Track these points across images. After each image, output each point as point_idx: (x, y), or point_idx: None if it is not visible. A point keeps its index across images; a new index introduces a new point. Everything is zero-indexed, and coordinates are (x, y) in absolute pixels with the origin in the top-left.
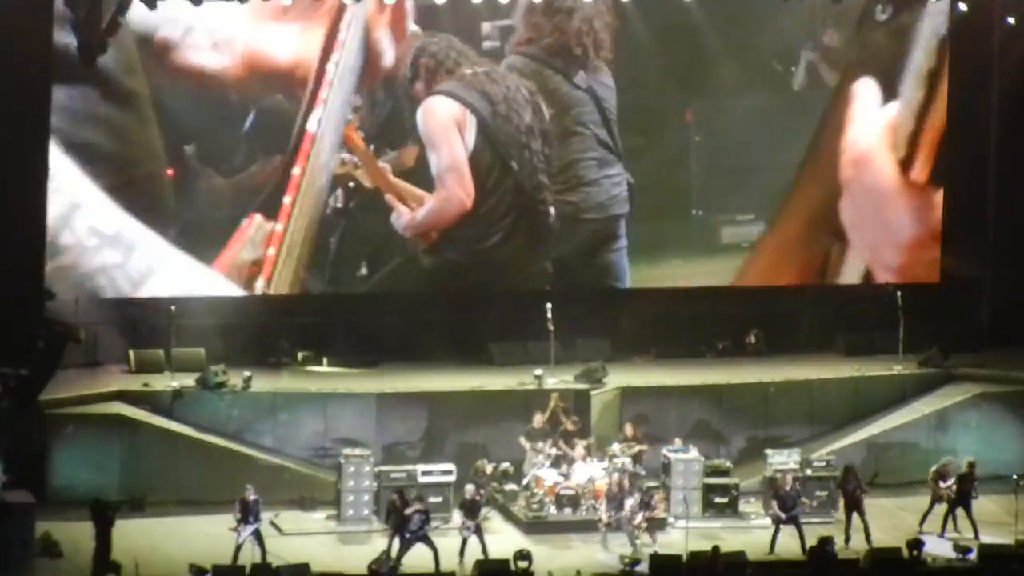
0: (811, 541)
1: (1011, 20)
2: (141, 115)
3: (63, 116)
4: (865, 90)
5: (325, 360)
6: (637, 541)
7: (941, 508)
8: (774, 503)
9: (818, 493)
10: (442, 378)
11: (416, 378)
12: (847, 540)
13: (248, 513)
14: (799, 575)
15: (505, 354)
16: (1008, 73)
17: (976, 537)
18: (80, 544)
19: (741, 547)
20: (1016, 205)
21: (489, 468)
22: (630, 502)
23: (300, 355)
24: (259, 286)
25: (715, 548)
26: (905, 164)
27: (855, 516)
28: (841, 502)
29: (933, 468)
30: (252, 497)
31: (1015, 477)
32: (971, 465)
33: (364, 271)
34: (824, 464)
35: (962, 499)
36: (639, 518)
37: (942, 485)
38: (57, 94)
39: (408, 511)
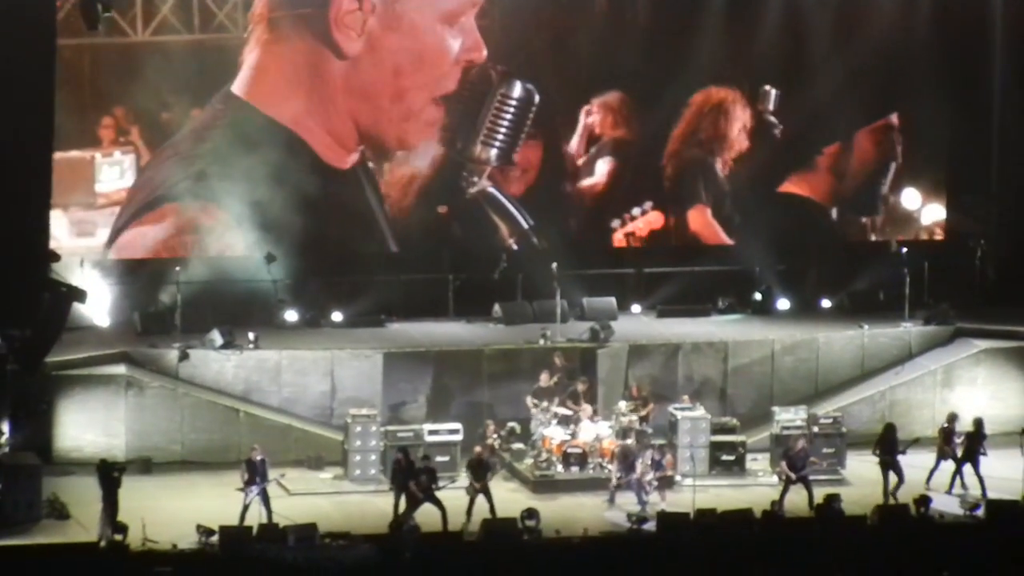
0: (819, 499)
1: None
2: None
3: None
4: None
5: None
6: (646, 500)
7: (948, 465)
8: (783, 463)
9: (825, 450)
10: (449, 337)
11: (422, 337)
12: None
13: (255, 474)
14: (807, 532)
15: (512, 313)
16: (1010, 27)
17: (984, 495)
18: (87, 505)
19: (748, 504)
20: (1020, 162)
21: (491, 433)
22: (641, 461)
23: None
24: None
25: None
26: None
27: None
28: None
29: (941, 426)
30: (259, 457)
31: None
32: (977, 422)
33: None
34: (831, 421)
35: (969, 456)
36: (651, 476)
37: (952, 443)
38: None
39: (414, 470)
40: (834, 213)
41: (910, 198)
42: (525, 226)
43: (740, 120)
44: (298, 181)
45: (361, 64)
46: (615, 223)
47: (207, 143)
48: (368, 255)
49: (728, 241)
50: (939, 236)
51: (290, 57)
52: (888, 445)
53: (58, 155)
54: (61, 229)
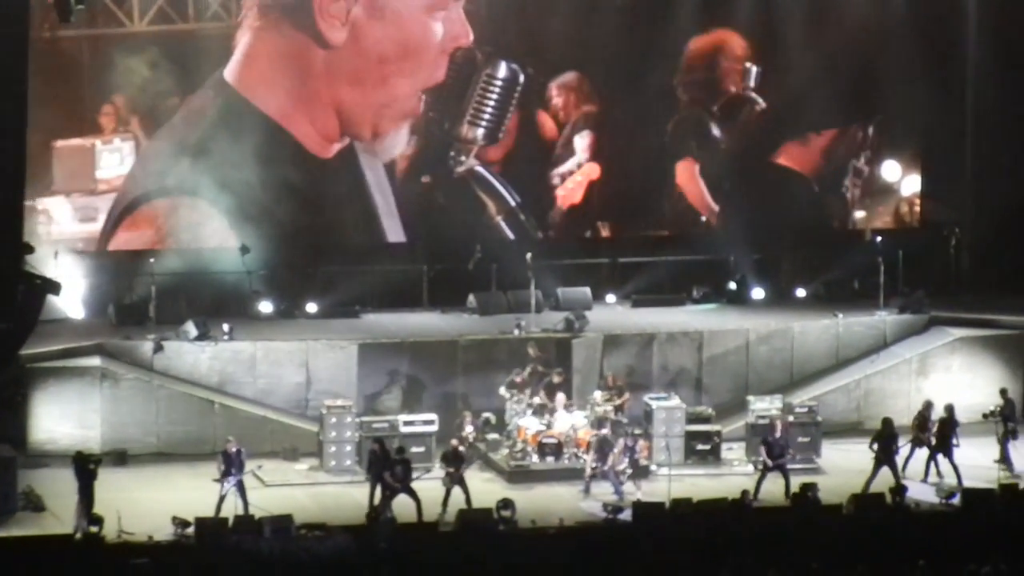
0: (795, 488)
1: None
2: None
3: None
4: None
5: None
6: (622, 489)
7: (923, 453)
8: (762, 449)
9: (800, 439)
10: (423, 328)
11: (397, 328)
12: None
13: (231, 465)
14: (782, 520)
15: (486, 303)
16: (984, 11)
17: (960, 483)
18: (62, 497)
19: (723, 494)
20: (995, 149)
21: (468, 425)
22: (615, 450)
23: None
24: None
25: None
26: None
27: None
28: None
29: (916, 413)
30: (234, 449)
31: (984, 415)
32: (949, 410)
33: None
34: (806, 410)
35: (943, 444)
36: (624, 465)
37: (927, 430)
38: None
39: (389, 460)
40: (816, 187)
41: (890, 170)
42: (512, 203)
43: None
44: (282, 171)
45: (345, 53)
46: (555, 180)
47: (197, 131)
48: (341, 245)
49: (712, 203)
50: (917, 207)
51: (277, 45)
52: (885, 442)
53: (60, 143)
54: (64, 215)
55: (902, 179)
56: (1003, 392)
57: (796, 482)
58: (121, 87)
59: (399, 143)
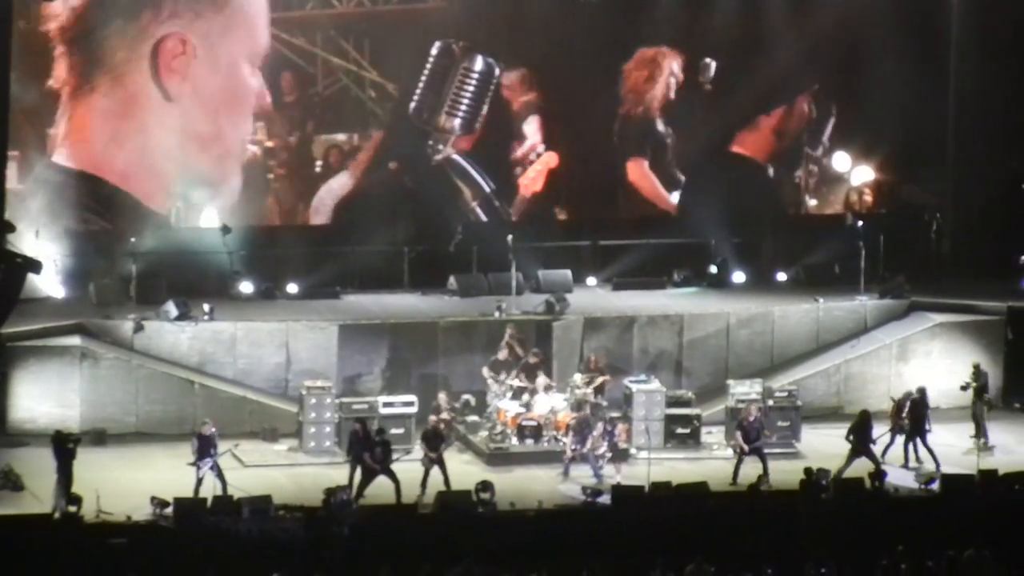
0: (773, 472)
1: None
2: None
3: None
4: None
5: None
6: (602, 472)
7: (901, 439)
8: (737, 434)
9: (780, 423)
10: (404, 309)
11: (378, 309)
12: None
13: (207, 446)
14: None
15: (467, 285)
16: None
17: (937, 467)
18: (41, 477)
19: (703, 478)
20: (976, 135)
21: (445, 405)
22: (593, 433)
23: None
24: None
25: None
26: None
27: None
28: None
29: (894, 399)
30: (209, 431)
31: (961, 386)
32: (921, 392)
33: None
34: (786, 395)
35: (916, 428)
36: (603, 448)
37: (902, 415)
38: None
39: (370, 442)
40: (771, 171)
41: (840, 161)
42: (487, 189)
43: (671, 75)
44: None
45: (185, 105)
46: (517, 170)
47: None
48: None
49: (667, 196)
50: (868, 197)
51: (111, 108)
52: (862, 434)
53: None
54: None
55: (852, 169)
56: (976, 366)
57: (775, 466)
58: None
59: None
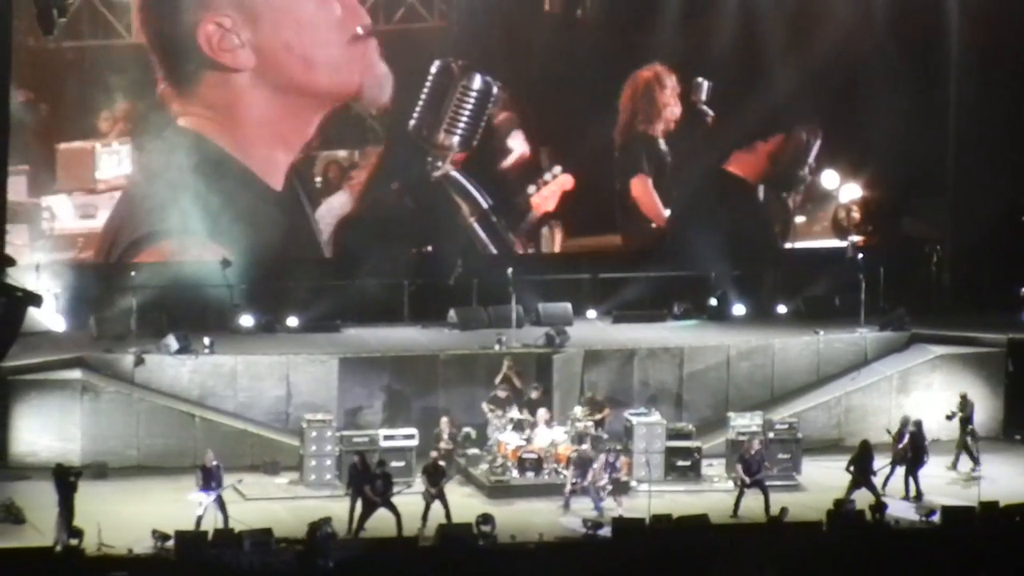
0: (775, 505)
1: None
2: None
3: None
4: None
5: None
6: (602, 504)
7: (902, 470)
8: (738, 467)
9: (780, 456)
10: (404, 342)
11: (378, 342)
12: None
13: (210, 479)
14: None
15: (467, 318)
16: (967, 27)
17: (919, 498)
18: (43, 510)
19: (704, 510)
20: (976, 167)
21: (446, 433)
22: (595, 465)
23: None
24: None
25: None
26: None
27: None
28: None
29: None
30: (213, 463)
31: (947, 415)
32: (917, 424)
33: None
34: (786, 427)
35: (915, 457)
36: (604, 480)
37: (899, 446)
38: None
39: (370, 475)
40: (761, 193)
41: (829, 178)
42: (485, 205)
43: (671, 92)
44: (246, 200)
45: (264, 69)
46: (530, 189)
47: (174, 173)
48: (324, 259)
49: (664, 214)
50: (856, 213)
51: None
52: (862, 464)
53: (63, 145)
54: (66, 212)
55: (840, 187)
56: (963, 396)
57: (776, 499)
58: (118, 93)
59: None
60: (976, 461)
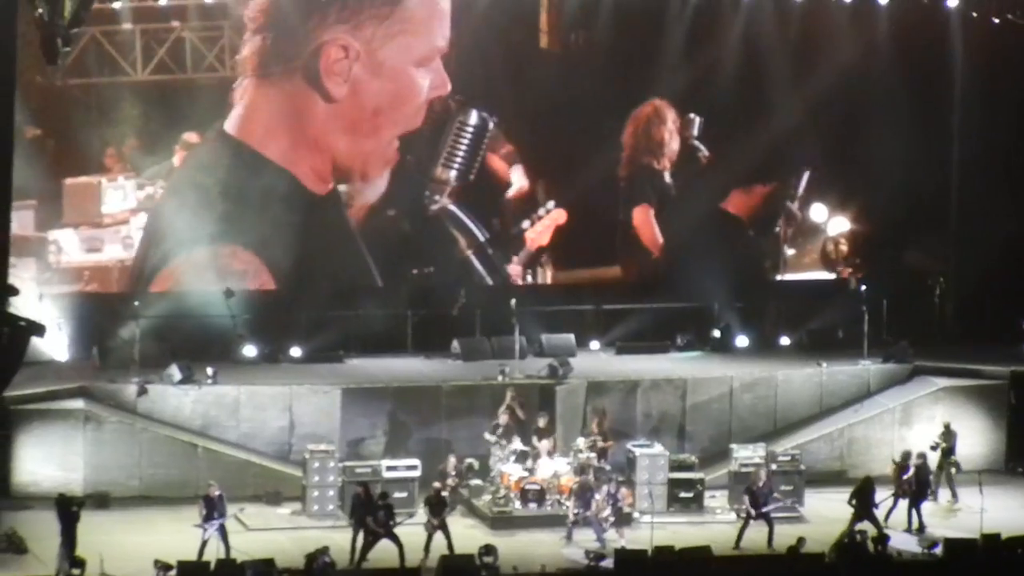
0: (778, 538)
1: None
2: None
3: None
4: None
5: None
6: (605, 536)
7: (904, 503)
8: (745, 498)
9: (783, 488)
10: (407, 373)
11: (381, 373)
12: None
13: (213, 509)
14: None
15: (470, 349)
16: (971, 61)
17: (921, 530)
18: (45, 540)
19: (706, 542)
20: (978, 200)
21: (452, 470)
22: (597, 496)
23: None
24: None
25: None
26: None
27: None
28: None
29: (895, 462)
30: (216, 493)
31: (931, 446)
32: (922, 457)
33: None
34: (789, 459)
35: (920, 491)
36: (606, 512)
37: (903, 478)
38: None
39: (373, 505)
40: (751, 232)
41: (817, 212)
42: (481, 239)
43: (671, 127)
44: (290, 215)
45: (344, 106)
46: (525, 224)
47: (212, 179)
48: (327, 289)
49: (660, 241)
50: (844, 246)
51: (279, 100)
52: (864, 498)
53: (69, 180)
54: (72, 246)
55: (828, 220)
56: (946, 426)
57: (780, 531)
58: (124, 130)
59: (380, 187)
60: (954, 494)
